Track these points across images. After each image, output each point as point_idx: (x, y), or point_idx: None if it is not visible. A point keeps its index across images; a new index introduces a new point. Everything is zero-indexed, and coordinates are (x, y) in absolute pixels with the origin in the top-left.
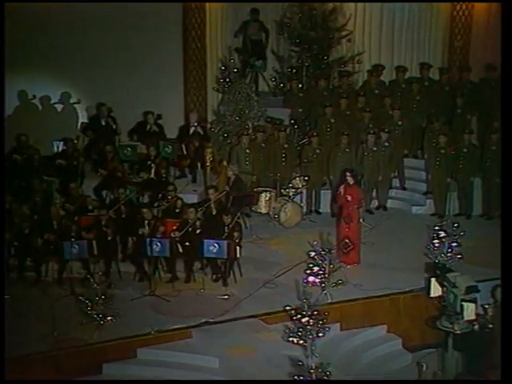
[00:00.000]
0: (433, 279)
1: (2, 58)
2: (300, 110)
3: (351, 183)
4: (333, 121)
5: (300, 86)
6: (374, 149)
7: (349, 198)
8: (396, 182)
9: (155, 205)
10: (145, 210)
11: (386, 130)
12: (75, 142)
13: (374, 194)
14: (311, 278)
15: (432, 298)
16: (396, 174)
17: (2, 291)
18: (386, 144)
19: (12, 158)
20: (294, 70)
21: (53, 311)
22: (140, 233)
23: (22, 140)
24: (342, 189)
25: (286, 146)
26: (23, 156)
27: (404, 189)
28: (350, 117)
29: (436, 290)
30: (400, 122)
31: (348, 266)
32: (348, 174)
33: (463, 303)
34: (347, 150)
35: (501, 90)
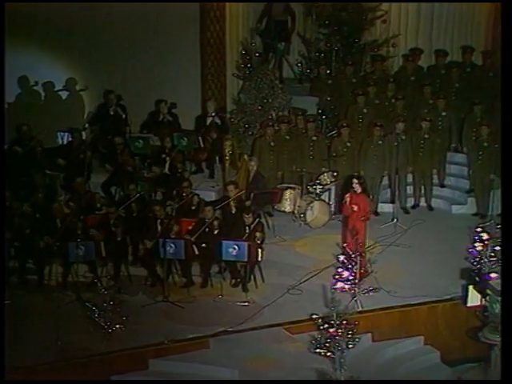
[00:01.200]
0: (470, 287)
1: (2, 56)
2: (328, 98)
3: (358, 191)
4: (365, 111)
5: (328, 71)
6: (403, 137)
7: (355, 207)
8: (434, 179)
9: (167, 203)
10: (157, 208)
11: (428, 119)
12: (82, 133)
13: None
14: (340, 284)
15: (469, 307)
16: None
17: (2, 294)
18: (426, 136)
19: (12, 150)
20: (322, 55)
21: (56, 318)
22: (148, 246)
23: (23, 130)
24: (347, 198)
25: (314, 138)
26: (24, 148)
27: (443, 186)
28: (383, 106)
29: (474, 298)
30: (444, 113)
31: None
32: (355, 181)
33: None
34: (380, 142)
35: (501, 91)
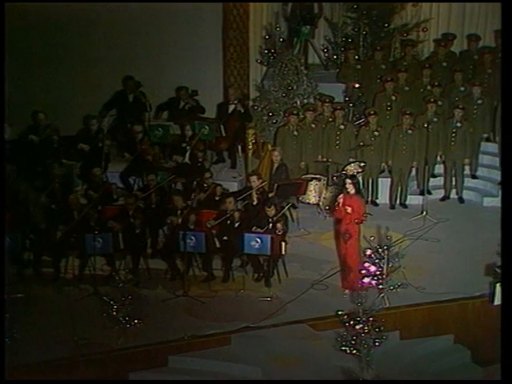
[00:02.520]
0: (497, 284)
1: (3, 56)
2: (356, 85)
3: (352, 192)
4: (393, 98)
5: (356, 57)
6: (434, 119)
7: (348, 209)
8: (466, 170)
9: (192, 196)
10: (176, 198)
11: (461, 107)
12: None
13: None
14: (367, 280)
15: (496, 306)
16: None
17: (2, 291)
18: (458, 124)
19: (27, 139)
20: (350, 40)
21: (73, 313)
22: (168, 221)
23: (39, 118)
24: (340, 199)
25: (342, 127)
26: (41, 136)
27: (474, 177)
28: (414, 93)
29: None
30: (480, 101)
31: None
32: (348, 181)
33: None
34: (409, 131)
35: (501, 93)
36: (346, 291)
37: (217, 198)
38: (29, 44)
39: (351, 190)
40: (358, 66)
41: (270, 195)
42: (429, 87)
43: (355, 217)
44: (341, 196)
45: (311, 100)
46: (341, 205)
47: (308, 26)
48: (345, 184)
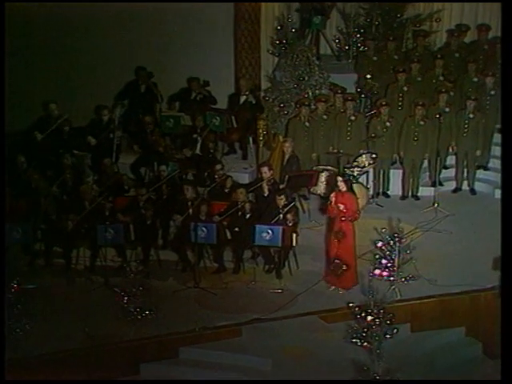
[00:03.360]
0: None
1: (2, 57)
2: (368, 76)
3: (343, 190)
4: (405, 89)
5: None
6: (446, 109)
7: (341, 207)
8: (477, 161)
9: (199, 190)
10: (186, 187)
11: (473, 98)
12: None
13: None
14: (378, 271)
15: None
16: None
17: (2, 288)
18: (471, 116)
19: (32, 136)
20: (362, 30)
21: (84, 304)
22: (174, 219)
23: (51, 109)
24: (332, 197)
25: (352, 118)
26: (51, 127)
27: (486, 169)
28: (426, 84)
29: None
30: (493, 92)
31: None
32: (339, 178)
33: None
34: (422, 122)
35: (501, 96)
36: (341, 291)
37: (226, 190)
38: (36, 38)
39: (342, 187)
40: (375, 58)
41: (281, 186)
42: (441, 78)
43: (348, 214)
44: (333, 194)
45: (323, 91)
46: (333, 203)
47: (319, 16)
48: (336, 182)
